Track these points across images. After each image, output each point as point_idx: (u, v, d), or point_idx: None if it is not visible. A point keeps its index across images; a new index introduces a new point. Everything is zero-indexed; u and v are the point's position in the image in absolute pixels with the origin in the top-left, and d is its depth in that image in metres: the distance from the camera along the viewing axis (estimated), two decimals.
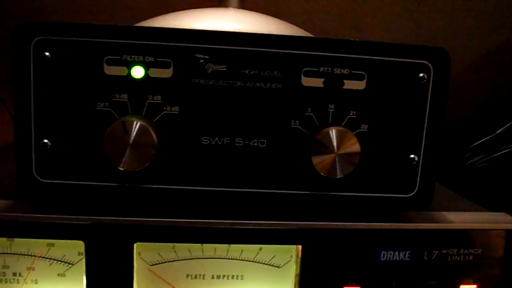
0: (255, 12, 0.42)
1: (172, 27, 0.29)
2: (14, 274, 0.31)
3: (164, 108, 0.30)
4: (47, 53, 0.29)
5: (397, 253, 0.32)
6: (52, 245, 0.31)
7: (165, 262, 0.32)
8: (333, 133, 0.29)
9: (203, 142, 0.30)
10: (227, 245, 0.31)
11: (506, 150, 0.46)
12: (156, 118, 0.30)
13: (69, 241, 0.30)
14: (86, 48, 0.29)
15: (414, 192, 0.32)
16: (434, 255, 0.33)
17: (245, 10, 0.44)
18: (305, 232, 0.31)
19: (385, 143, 0.31)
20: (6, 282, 0.31)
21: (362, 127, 0.31)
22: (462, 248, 0.33)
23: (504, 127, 0.49)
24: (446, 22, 0.69)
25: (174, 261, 0.32)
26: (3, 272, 0.31)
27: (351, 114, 0.31)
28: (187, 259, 0.32)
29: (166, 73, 0.29)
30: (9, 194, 0.33)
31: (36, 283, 0.31)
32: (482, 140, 0.49)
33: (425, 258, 0.33)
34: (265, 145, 0.31)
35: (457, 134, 0.55)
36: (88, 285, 0.31)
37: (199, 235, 0.31)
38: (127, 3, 0.66)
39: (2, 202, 0.32)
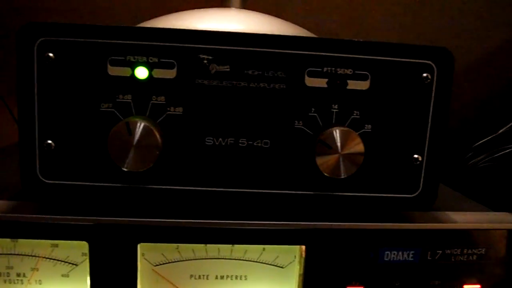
0: (257, 12, 0.42)
1: (176, 28, 0.29)
2: (18, 275, 0.31)
3: (168, 109, 0.30)
4: (50, 54, 0.29)
5: (400, 253, 0.32)
6: (56, 245, 0.31)
7: (169, 262, 0.32)
8: (337, 133, 0.29)
9: (207, 143, 0.30)
10: (231, 245, 0.32)
11: (509, 150, 0.46)
12: (160, 119, 0.30)
13: (73, 241, 0.30)
14: (89, 49, 0.29)
15: (417, 192, 0.32)
16: (438, 255, 0.33)
17: (247, 10, 0.44)
18: (309, 232, 0.31)
19: (389, 143, 0.31)
20: (10, 283, 0.31)
21: (365, 127, 0.31)
22: (465, 248, 0.33)
23: (507, 126, 0.49)
24: (447, 22, 0.69)
25: (178, 261, 0.32)
26: (7, 273, 0.31)
27: (354, 114, 0.31)
28: (191, 260, 0.32)
29: (170, 73, 0.29)
30: (13, 195, 0.33)
31: (40, 283, 0.31)
32: (485, 140, 0.49)
33: (428, 258, 0.33)
34: (268, 145, 0.31)
35: (459, 133, 0.55)
36: (92, 286, 0.31)
37: (202, 236, 0.31)
38: (128, 3, 0.66)
39: (6, 203, 0.32)
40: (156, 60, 0.29)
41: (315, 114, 0.30)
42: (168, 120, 0.30)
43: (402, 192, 0.32)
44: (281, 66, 0.30)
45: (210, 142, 0.30)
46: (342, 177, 0.30)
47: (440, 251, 0.33)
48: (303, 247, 0.32)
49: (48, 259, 0.31)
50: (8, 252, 0.31)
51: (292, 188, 0.31)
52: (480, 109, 0.70)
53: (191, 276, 0.32)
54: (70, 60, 0.29)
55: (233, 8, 0.44)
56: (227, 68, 0.30)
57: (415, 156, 0.31)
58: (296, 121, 0.30)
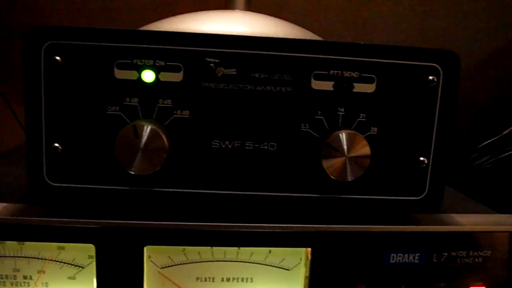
0: (261, 14, 0.42)
1: (183, 31, 0.29)
2: (25, 277, 0.31)
3: (175, 112, 0.30)
4: (58, 57, 0.29)
5: (406, 255, 0.32)
6: (63, 248, 0.31)
7: (175, 265, 0.32)
8: (343, 136, 0.29)
9: (213, 146, 0.30)
10: (237, 248, 0.32)
11: None
12: (167, 122, 0.30)
13: (80, 244, 0.30)
14: (96, 52, 0.29)
15: (423, 195, 0.32)
16: (444, 258, 0.33)
17: (252, 12, 0.44)
18: (315, 235, 0.31)
19: (395, 145, 0.31)
20: (16, 285, 0.31)
21: (372, 130, 0.31)
22: (471, 250, 0.33)
23: (511, 128, 0.49)
24: (450, 23, 0.69)
25: (184, 264, 0.32)
26: (14, 275, 0.31)
27: (361, 117, 0.31)
28: (197, 262, 0.32)
29: (177, 77, 0.29)
30: (20, 197, 0.33)
31: (46, 286, 0.31)
32: (489, 141, 0.49)
33: (434, 260, 0.33)
34: (275, 148, 0.31)
35: (463, 135, 0.55)
36: None
37: (209, 238, 0.31)
38: (131, 5, 0.66)
39: (13, 206, 0.32)
40: (162, 63, 0.29)
41: (322, 117, 0.30)
42: (175, 123, 0.30)
43: (408, 194, 0.32)
44: (287, 69, 0.30)
45: (217, 145, 0.30)
46: (349, 180, 0.30)
47: (446, 254, 0.33)
48: (309, 249, 0.32)
49: (54, 262, 0.31)
50: (15, 255, 0.31)
51: (298, 191, 0.31)
52: (484, 110, 0.70)
53: (197, 278, 0.32)
54: (77, 63, 0.29)
55: (237, 10, 0.45)
56: (234, 71, 0.30)
57: (421, 158, 0.31)
58: (303, 124, 0.30)
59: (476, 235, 0.33)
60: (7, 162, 0.45)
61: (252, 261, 0.32)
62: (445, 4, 0.68)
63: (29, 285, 0.31)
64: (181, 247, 0.31)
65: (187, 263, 0.32)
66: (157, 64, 0.29)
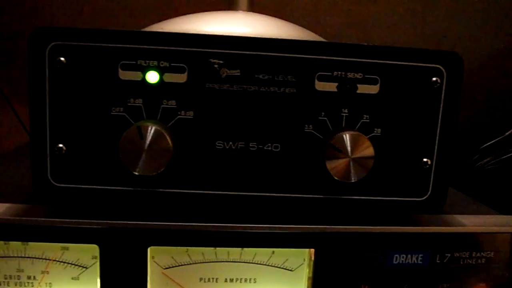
0: (264, 15, 0.42)
1: (187, 32, 0.29)
2: (29, 278, 0.31)
3: (179, 113, 0.30)
4: (62, 58, 0.29)
5: (409, 256, 0.33)
6: (67, 248, 0.31)
7: (179, 265, 0.32)
8: (347, 137, 0.29)
9: (217, 147, 0.30)
10: (240, 248, 0.32)
11: None
12: (171, 123, 0.30)
13: (84, 245, 0.30)
14: (101, 53, 0.29)
15: (427, 196, 0.32)
16: (447, 259, 0.33)
17: (255, 13, 0.44)
18: (318, 235, 0.31)
19: (398, 147, 0.31)
20: (20, 286, 0.31)
21: (375, 131, 0.31)
22: (474, 251, 0.33)
23: None
24: (452, 23, 0.69)
25: (187, 264, 0.32)
26: (18, 276, 0.31)
27: (364, 118, 0.31)
28: (200, 263, 0.32)
29: (181, 78, 0.29)
30: (24, 198, 0.33)
31: (50, 286, 0.31)
32: (491, 142, 0.49)
33: (437, 261, 0.33)
34: (279, 149, 0.31)
35: (465, 135, 0.55)
36: None
37: (212, 239, 0.31)
38: (134, 5, 0.66)
39: (17, 206, 0.32)
40: (167, 64, 0.29)
41: (325, 118, 0.31)
42: (179, 124, 0.30)
43: (412, 195, 0.32)
44: (291, 71, 0.30)
45: (221, 146, 0.30)
46: (353, 181, 0.30)
47: (449, 255, 0.33)
48: (312, 250, 0.32)
49: (58, 262, 0.31)
50: (19, 255, 0.31)
51: (302, 192, 0.31)
52: (486, 111, 0.70)
53: (201, 279, 0.32)
54: (81, 64, 0.29)
55: (240, 11, 0.45)
56: (238, 73, 0.30)
57: (425, 159, 0.32)
58: (306, 125, 0.31)
59: (479, 236, 0.33)
60: (10, 162, 0.45)
61: (256, 262, 0.32)
62: (446, 4, 0.68)
63: (32, 286, 0.31)
64: (185, 248, 0.31)
65: (190, 264, 0.32)
66: (161, 65, 0.29)
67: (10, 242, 0.30)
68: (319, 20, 0.67)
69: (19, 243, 0.31)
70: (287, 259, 0.32)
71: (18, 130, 0.58)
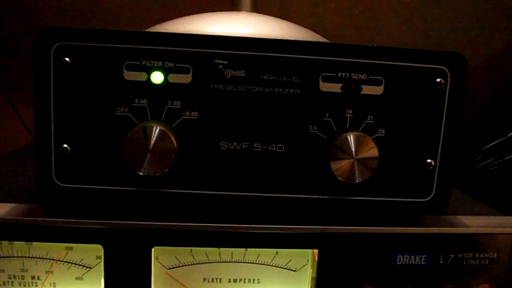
0: (268, 16, 0.42)
1: (192, 33, 0.29)
2: (33, 278, 0.31)
3: (183, 113, 0.30)
4: (67, 59, 0.29)
5: (412, 257, 0.33)
6: (71, 248, 0.31)
7: (183, 265, 0.32)
8: (351, 138, 0.29)
9: (221, 147, 0.30)
10: (244, 249, 0.32)
11: None
12: (176, 123, 0.30)
13: (88, 245, 0.30)
14: (105, 54, 0.29)
15: (430, 197, 0.32)
16: (450, 259, 0.33)
17: (258, 14, 0.44)
18: (321, 236, 0.31)
19: (402, 147, 0.31)
20: (24, 285, 0.31)
21: (379, 132, 0.31)
22: (477, 252, 0.33)
23: None
24: (455, 24, 0.69)
25: (191, 265, 0.32)
26: (22, 276, 0.31)
27: (368, 119, 0.31)
28: (204, 263, 0.32)
29: (186, 78, 0.30)
30: (28, 198, 0.33)
31: (54, 286, 0.31)
32: (494, 143, 0.49)
33: (440, 262, 0.33)
34: (283, 150, 0.31)
35: (468, 136, 0.55)
36: None
37: (216, 239, 0.31)
38: (137, 5, 0.66)
39: (21, 206, 0.32)
40: (171, 65, 0.29)
41: (330, 119, 0.31)
42: (183, 124, 0.30)
43: (415, 196, 0.32)
44: (296, 71, 0.30)
45: (225, 147, 0.30)
46: (357, 181, 0.30)
47: (452, 255, 0.33)
48: (316, 250, 0.32)
49: (62, 262, 0.31)
50: (23, 255, 0.31)
51: (306, 193, 0.31)
52: (488, 112, 0.70)
53: (204, 279, 0.32)
54: (86, 64, 0.29)
55: (244, 12, 0.45)
56: (242, 73, 0.30)
57: (429, 160, 0.32)
58: (311, 126, 0.31)
59: (482, 237, 0.33)
60: (14, 162, 0.45)
61: (259, 262, 0.32)
62: (448, 6, 0.69)
63: (37, 285, 0.31)
64: (189, 248, 0.31)
65: (194, 264, 0.32)
66: (166, 66, 0.29)
67: (14, 242, 0.30)
68: (322, 20, 0.67)
69: (23, 243, 0.31)
70: (290, 260, 0.32)
71: (21, 130, 0.58)
